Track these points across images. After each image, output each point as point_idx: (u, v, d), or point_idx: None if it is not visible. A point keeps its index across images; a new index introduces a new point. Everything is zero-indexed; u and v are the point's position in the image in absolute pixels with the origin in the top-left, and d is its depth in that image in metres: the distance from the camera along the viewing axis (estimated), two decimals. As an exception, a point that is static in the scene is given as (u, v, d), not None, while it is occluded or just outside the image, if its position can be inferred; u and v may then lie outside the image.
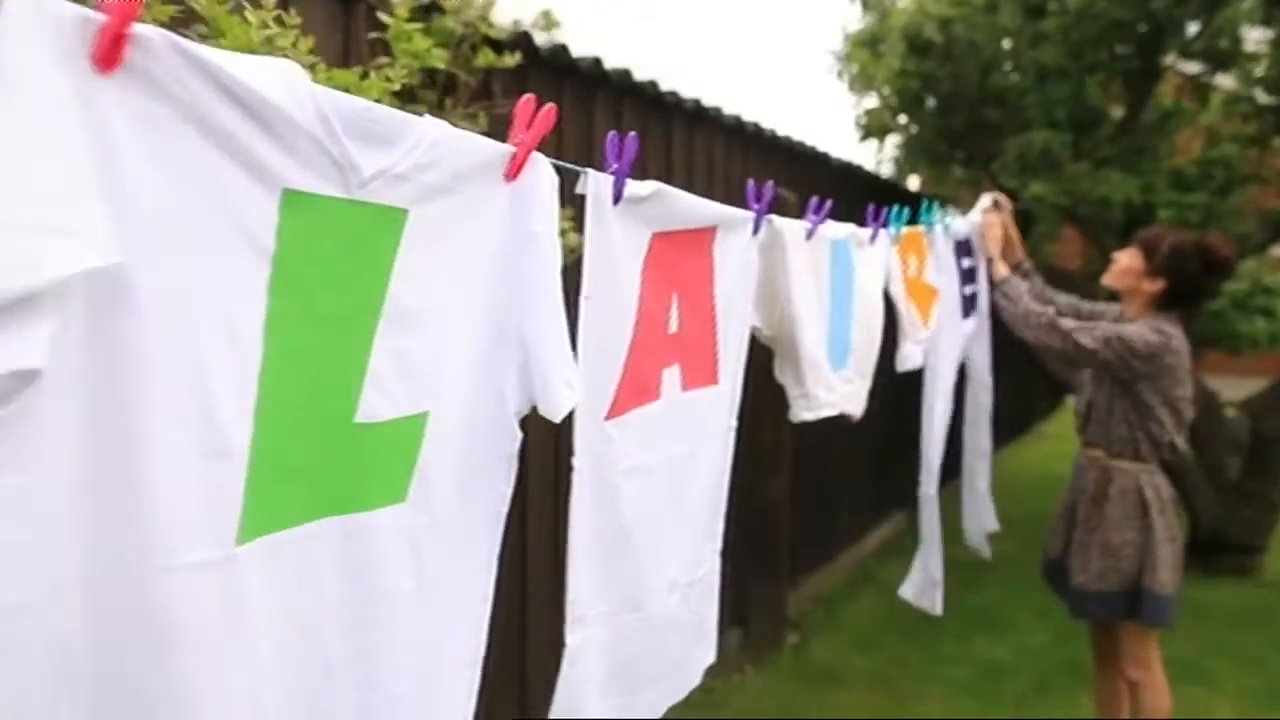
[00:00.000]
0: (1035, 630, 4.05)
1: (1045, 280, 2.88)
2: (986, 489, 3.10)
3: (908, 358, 2.40)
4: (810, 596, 4.45)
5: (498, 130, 1.17)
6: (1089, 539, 2.53)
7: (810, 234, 1.78)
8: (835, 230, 1.91)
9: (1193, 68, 4.56)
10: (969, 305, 2.82)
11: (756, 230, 1.56)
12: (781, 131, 3.74)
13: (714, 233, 1.45)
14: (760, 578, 3.71)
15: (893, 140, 5.31)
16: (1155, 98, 4.38)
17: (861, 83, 4.82)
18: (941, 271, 2.55)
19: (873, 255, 2.14)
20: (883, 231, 2.17)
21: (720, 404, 1.54)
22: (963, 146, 4.65)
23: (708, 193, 1.47)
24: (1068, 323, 2.46)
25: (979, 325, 2.91)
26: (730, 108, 3.35)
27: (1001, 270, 2.71)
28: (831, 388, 1.95)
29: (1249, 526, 4.85)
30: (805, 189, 2.67)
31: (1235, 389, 5.99)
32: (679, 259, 1.36)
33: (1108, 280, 2.59)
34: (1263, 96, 5.09)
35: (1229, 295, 9.04)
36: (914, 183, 5.23)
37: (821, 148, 4.07)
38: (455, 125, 0.94)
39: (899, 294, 2.31)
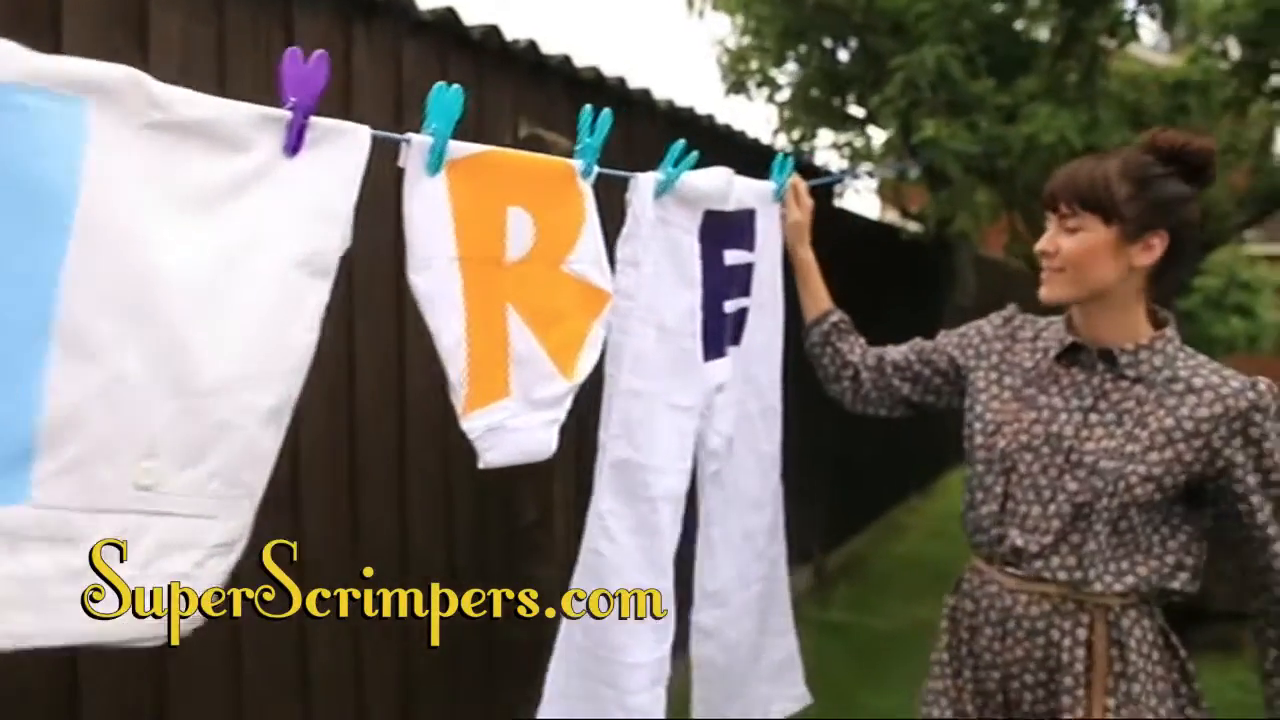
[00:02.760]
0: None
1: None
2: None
3: (504, 435, 1.22)
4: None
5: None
6: None
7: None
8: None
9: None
10: (730, 330, 1.66)
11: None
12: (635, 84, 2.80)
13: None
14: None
15: (772, 95, 4.11)
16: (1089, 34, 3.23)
17: (724, 4, 3.62)
18: (639, 264, 1.41)
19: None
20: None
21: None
22: (853, 90, 3.48)
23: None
24: None
25: (751, 370, 1.73)
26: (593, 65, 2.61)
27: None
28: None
29: (1234, 588, 3.73)
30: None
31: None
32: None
33: (1053, 292, 1.43)
34: (1237, 50, 4.13)
35: (1202, 292, 8.06)
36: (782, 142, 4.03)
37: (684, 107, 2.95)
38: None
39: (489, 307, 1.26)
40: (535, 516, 2.30)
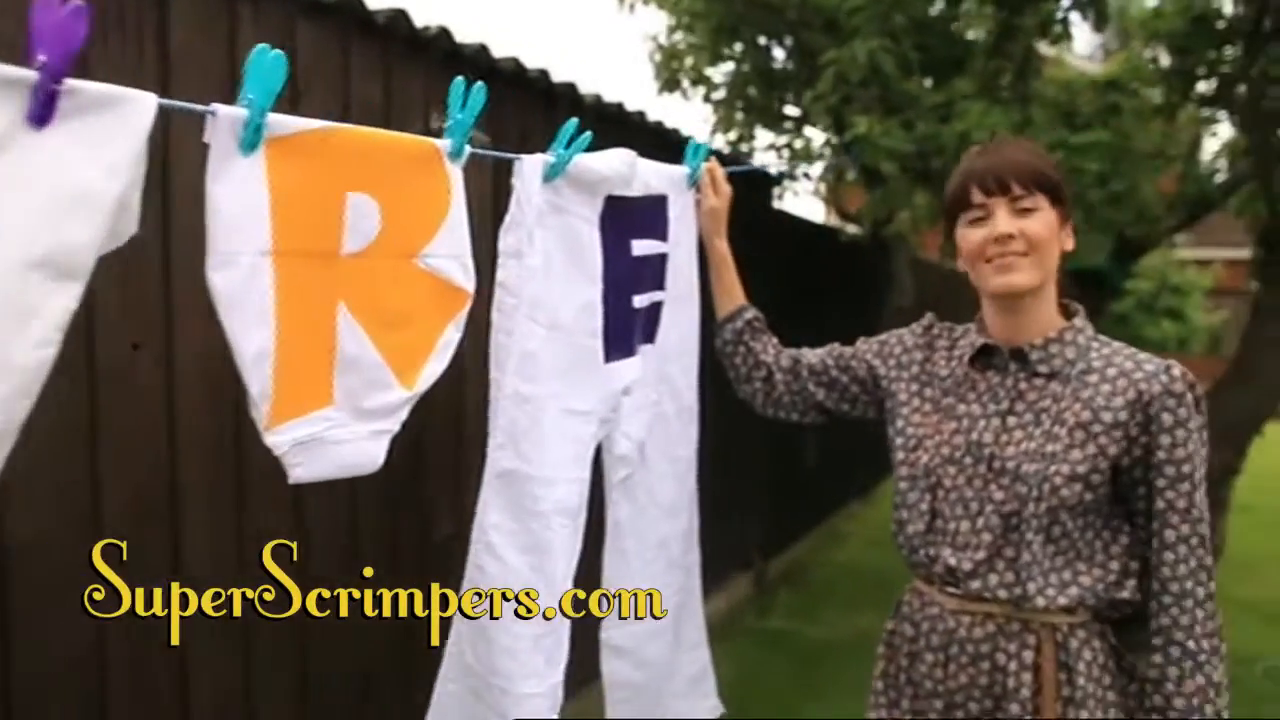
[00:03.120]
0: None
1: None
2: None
3: (321, 449, 1.09)
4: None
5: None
6: None
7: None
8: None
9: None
10: (642, 327, 1.55)
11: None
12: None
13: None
14: None
15: (709, 94, 4.00)
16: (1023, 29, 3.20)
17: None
18: (523, 255, 1.29)
19: None
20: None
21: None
22: (789, 89, 3.40)
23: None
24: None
25: (666, 369, 1.63)
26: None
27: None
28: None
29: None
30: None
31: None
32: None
33: (1023, 277, 1.31)
34: (1167, 58, 4.17)
35: (1134, 295, 8.24)
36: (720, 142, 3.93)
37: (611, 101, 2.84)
38: None
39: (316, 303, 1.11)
40: (452, 530, 2.18)
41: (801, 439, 5.07)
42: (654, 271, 1.55)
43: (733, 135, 4.08)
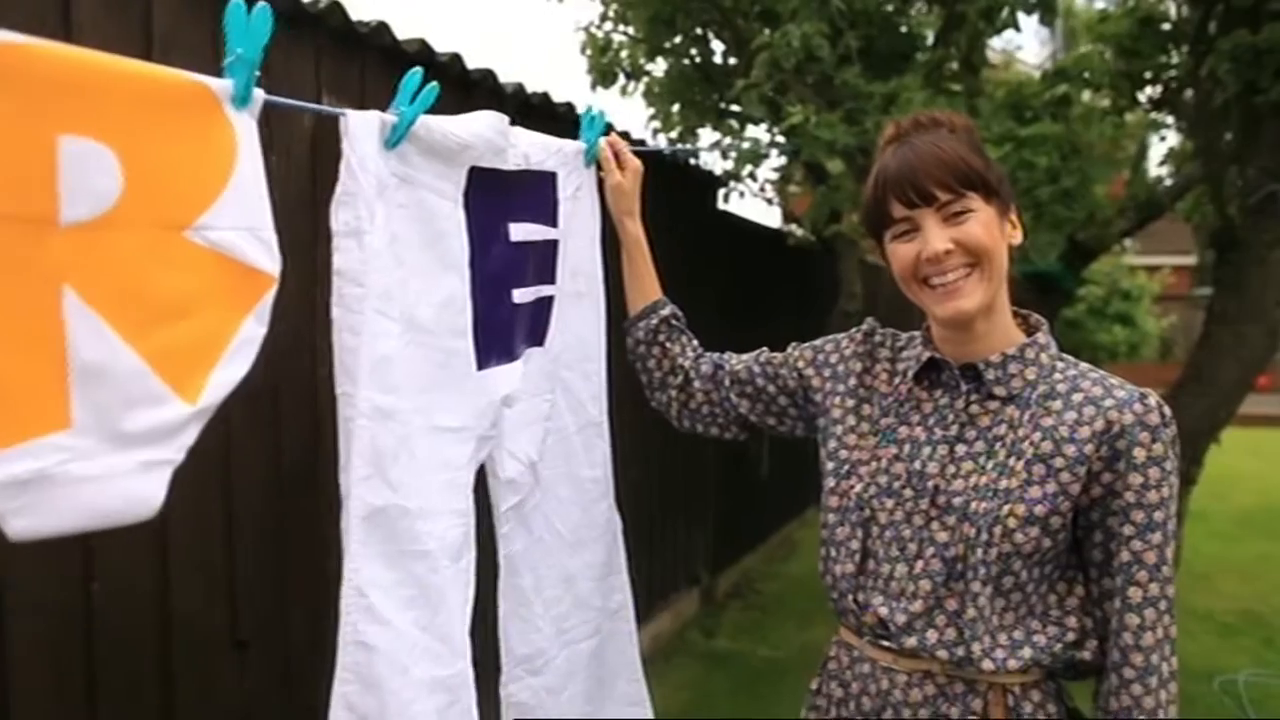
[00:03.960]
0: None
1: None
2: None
3: (55, 490, 0.80)
4: None
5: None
6: None
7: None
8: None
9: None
10: (525, 327, 1.35)
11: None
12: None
13: None
14: None
15: (650, 88, 3.80)
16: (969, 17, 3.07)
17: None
18: (362, 234, 1.03)
19: None
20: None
21: None
22: (730, 83, 3.22)
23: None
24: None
25: (564, 376, 1.43)
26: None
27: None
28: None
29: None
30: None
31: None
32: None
33: (973, 298, 1.12)
34: (1116, 61, 4.10)
35: (1086, 301, 8.25)
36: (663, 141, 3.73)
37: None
38: None
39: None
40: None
41: (753, 442, 4.90)
42: (540, 261, 1.33)
43: (674, 134, 3.89)
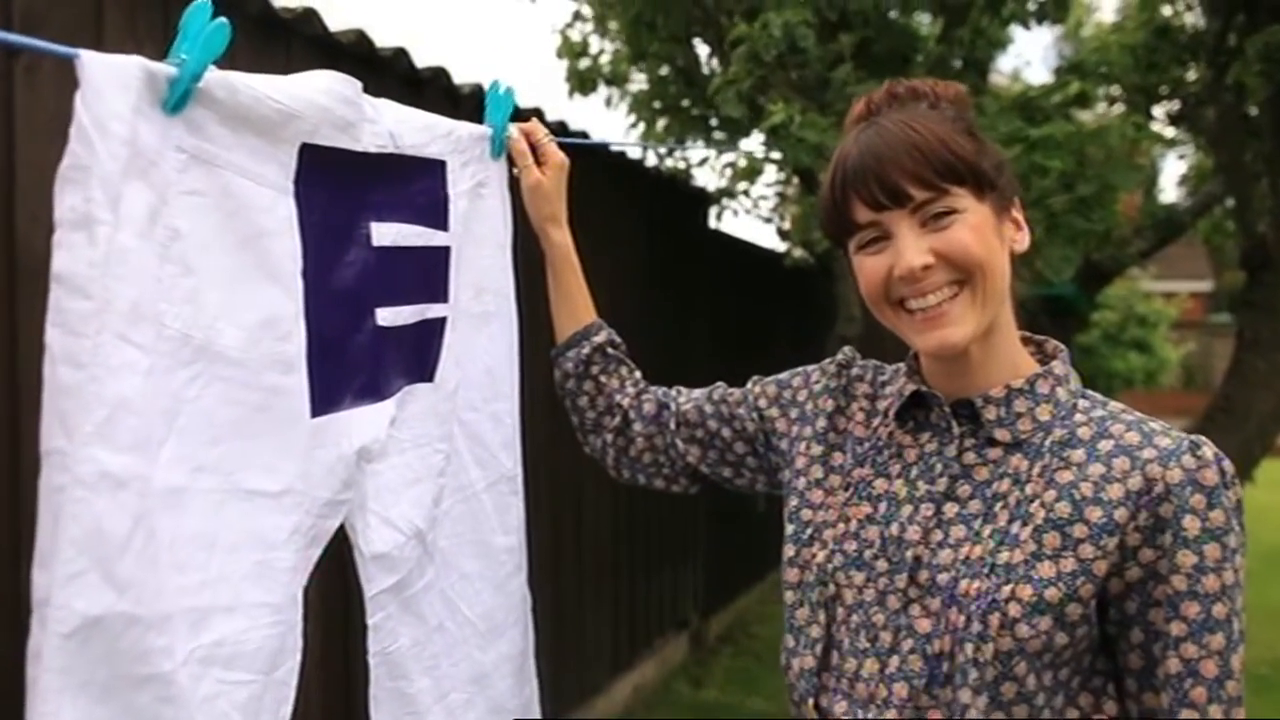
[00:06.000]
0: None
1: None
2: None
3: None
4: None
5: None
6: None
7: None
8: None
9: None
10: (404, 357, 1.05)
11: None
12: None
13: None
14: None
15: (639, 97, 3.55)
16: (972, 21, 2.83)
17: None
18: (96, 224, 0.71)
19: None
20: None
21: None
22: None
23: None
24: None
25: (465, 419, 1.13)
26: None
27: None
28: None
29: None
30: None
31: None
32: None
33: (963, 326, 0.84)
34: (1132, 74, 3.88)
35: (1100, 327, 7.96)
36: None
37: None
38: None
39: None
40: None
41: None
42: (422, 274, 1.04)
43: (661, 150, 3.65)
